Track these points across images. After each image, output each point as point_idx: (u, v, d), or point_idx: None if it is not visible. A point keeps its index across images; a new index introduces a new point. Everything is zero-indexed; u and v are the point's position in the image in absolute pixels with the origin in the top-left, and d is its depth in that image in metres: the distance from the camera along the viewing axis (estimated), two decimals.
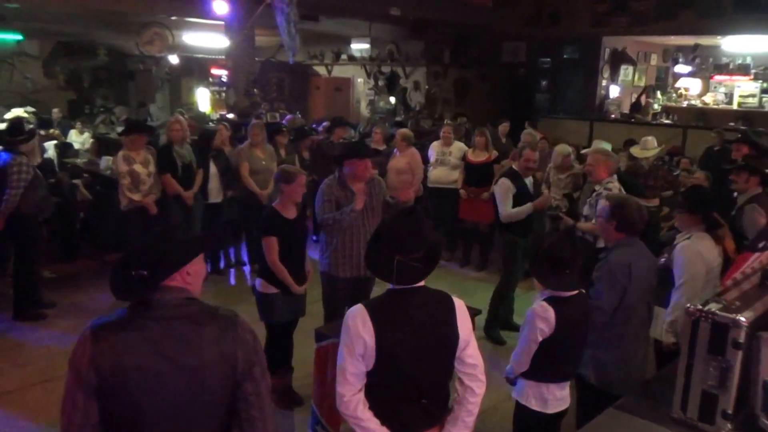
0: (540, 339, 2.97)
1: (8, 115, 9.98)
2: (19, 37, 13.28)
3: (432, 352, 2.40)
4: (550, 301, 2.99)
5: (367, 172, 4.56)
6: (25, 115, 10.35)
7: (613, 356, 3.39)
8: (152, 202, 6.48)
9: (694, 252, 3.70)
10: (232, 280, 7.33)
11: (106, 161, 8.30)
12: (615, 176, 5.27)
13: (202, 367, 1.90)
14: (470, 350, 2.48)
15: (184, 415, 1.90)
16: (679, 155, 9.55)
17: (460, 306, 2.50)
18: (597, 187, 5.16)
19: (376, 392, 2.42)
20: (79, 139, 11.04)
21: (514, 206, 5.61)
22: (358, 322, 2.34)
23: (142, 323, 1.90)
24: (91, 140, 10.85)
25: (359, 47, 14.78)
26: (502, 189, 5.64)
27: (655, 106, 13.67)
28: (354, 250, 4.55)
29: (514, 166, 5.94)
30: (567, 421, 3.34)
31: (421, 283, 2.45)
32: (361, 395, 2.40)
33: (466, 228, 7.99)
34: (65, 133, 11.25)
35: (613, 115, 12.81)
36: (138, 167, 6.41)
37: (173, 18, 11.85)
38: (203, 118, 12.36)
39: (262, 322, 4.52)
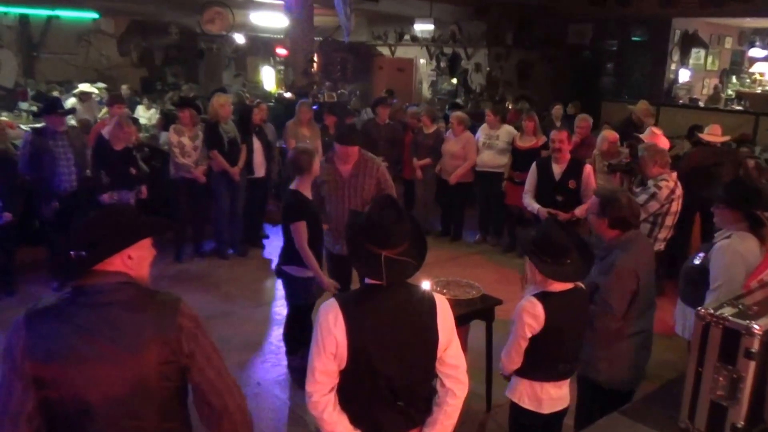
0: (529, 335, 2.83)
1: (76, 90, 10.55)
2: (96, 15, 13.89)
3: (409, 352, 2.26)
4: (539, 296, 2.84)
5: (350, 157, 4.73)
6: (95, 90, 10.84)
7: (621, 353, 3.28)
8: (201, 174, 6.80)
9: (734, 253, 3.40)
10: (268, 255, 7.55)
11: (164, 136, 8.63)
12: (671, 171, 4.96)
13: (139, 353, 1.83)
14: (452, 351, 2.34)
15: (123, 401, 1.84)
16: (748, 143, 9.07)
17: (441, 304, 2.34)
18: (649, 182, 4.94)
19: (349, 392, 2.28)
20: (146, 114, 11.47)
21: (539, 193, 5.66)
22: (330, 317, 2.20)
23: (76, 309, 1.84)
24: (158, 116, 11.33)
25: (422, 28, 14.70)
26: (529, 174, 5.77)
27: (728, 92, 13.05)
28: (331, 226, 4.83)
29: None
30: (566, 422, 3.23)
31: None
32: (331, 396, 2.27)
33: (511, 213, 7.89)
34: (132, 109, 11.73)
35: (681, 101, 12.31)
36: (185, 140, 6.77)
37: None
38: (267, 96, 12.66)
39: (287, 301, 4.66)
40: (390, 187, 4.91)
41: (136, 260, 1.95)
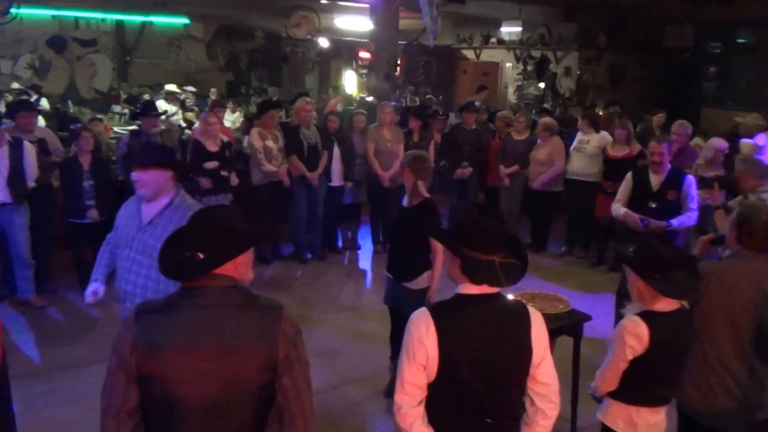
0: (630, 357, 2.66)
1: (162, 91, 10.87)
2: (186, 21, 14.31)
3: (500, 367, 2.21)
4: (643, 315, 2.67)
5: (146, 186, 3.20)
6: (185, 90, 11.13)
7: (692, 379, 2.97)
8: (285, 174, 6.73)
9: None
10: (345, 261, 7.49)
11: (247, 140, 8.68)
12: None
13: (240, 356, 1.87)
14: (544, 368, 2.28)
15: (220, 403, 1.87)
16: None
17: (536, 318, 2.29)
18: (750, 196, 4.67)
19: (436, 406, 2.25)
20: (230, 117, 11.64)
21: (633, 203, 5.39)
22: (422, 328, 2.18)
23: (185, 310, 1.89)
24: (242, 119, 11.48)
25: (509, 30, 14.32)
26: (623, 183, 5.58)
27: None
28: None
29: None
30: None
31: (496, 290, 2.26)
32: (421, 409, 2.23)
33: (601, 225, 7.47)
34: None
35: None
36: (270, 143, 6.71)
37: (323, 2, 12.18)
38: (349, 100, 12.61)
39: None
40: None
41: (245, 264, 2.01)
